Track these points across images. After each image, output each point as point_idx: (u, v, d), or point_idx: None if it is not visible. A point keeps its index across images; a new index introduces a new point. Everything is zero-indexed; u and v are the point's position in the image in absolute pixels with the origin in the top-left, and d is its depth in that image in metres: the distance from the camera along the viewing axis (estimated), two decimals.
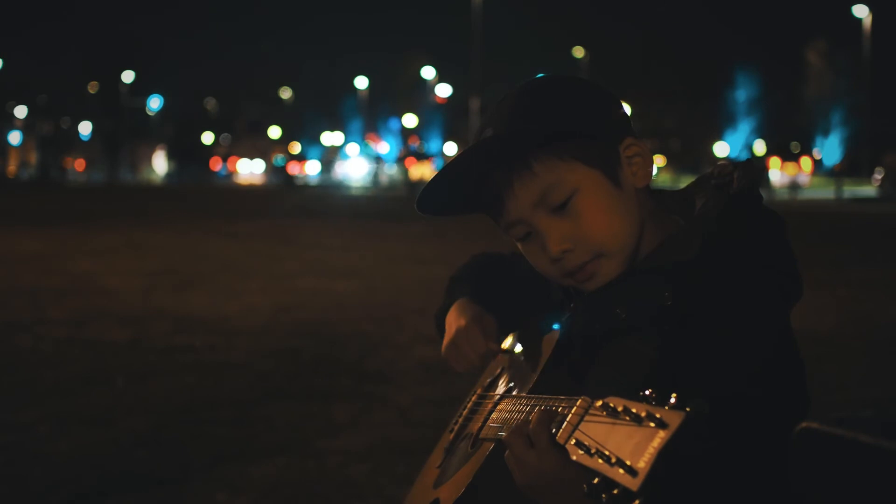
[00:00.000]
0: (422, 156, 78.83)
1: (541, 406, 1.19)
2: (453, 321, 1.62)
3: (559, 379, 1.33)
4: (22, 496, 4.00)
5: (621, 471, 0.93)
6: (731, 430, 1.17)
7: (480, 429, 1.43)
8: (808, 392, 1.31)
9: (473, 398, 1.59)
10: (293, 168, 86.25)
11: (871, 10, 61.42)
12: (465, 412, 1.57)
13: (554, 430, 1.10)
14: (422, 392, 5.71)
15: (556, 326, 1.41)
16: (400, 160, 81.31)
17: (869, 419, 0.96)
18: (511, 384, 1.46)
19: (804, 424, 0.98)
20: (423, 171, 74.44)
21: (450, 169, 1.36)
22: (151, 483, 4.16)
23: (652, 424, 0.94)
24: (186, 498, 4.02)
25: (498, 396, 1.44)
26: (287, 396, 5.66)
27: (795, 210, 30.32)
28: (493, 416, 1.40)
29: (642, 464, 0.92)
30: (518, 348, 1.53)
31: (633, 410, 0.97)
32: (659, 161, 66.70)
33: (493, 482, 1.30)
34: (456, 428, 1.56)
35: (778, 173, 62.77)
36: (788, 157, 66.58)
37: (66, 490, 4.02)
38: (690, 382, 1.08)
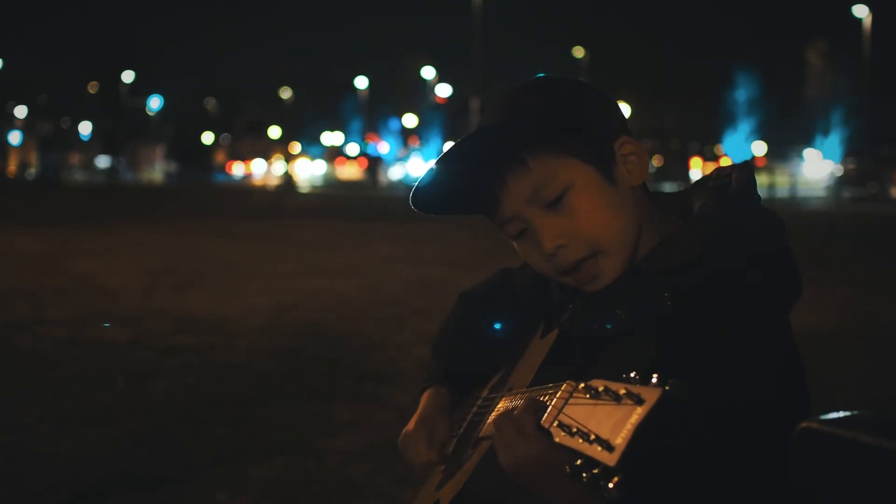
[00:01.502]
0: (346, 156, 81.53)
1: (530, 396, 1.20)
2: (415, 416, 1.61)
3: (556, 378, 1.33)
4: (22, 496, 4.00)
5: (599, 448, 0.94)
6: (730, 430, 1.18)
7: (481, 429, 1.43)
8: (809, 392, 1.31)
9: (479, 401, 1.59)
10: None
11: (871, 10, 61.38)
12: (469, 415, 1.58)
13: (539, 415, 1.10)
14: None
15: (554, 327, 1.41)
16: (330, 159, 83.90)
17: (869, 419, 0.96)
18: (512, 385, 1.46)
19: (804, 424, 0.98)
20: (351, 171, 77.61)
21: (443, 162, 1.35)
22: (151, 483, 4.16)
23: (630, 402, 0.94)
24: (186, 498, 4.02)
25: (498, 397, 1.45)
26: (287, 396, 5.66)
27: (795, 210, 30.32)
28: (493, 415, 1.40)
29: (619, 440, 0.93)
30: (495, 393, 1.54)
31: (613, 389, 0.97)
32: (657, 161, 67.00)
33: (490, 478, 1.31)
34: (461, 431, 1.56)
35: (699, 173, 63.70)
36: (710, 157, 69.19)
37: (66, 490, 4.02)
38: (691, 382, 1.08)
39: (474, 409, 1.58)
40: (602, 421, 0.96)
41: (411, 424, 1.58)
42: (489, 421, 1.41)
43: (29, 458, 4.43)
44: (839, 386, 5.85)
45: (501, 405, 1.38)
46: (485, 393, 1.60)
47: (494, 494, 1.30)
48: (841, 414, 0.98)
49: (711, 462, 1.16)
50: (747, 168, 1.38)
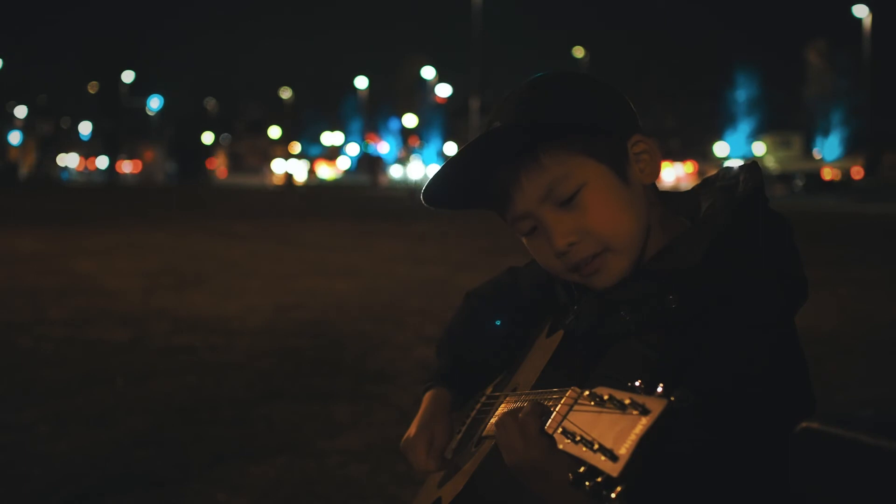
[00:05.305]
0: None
1: (535, 399, 1.20)
2: (416, 419, 1.59)
3: (561, 379, 1.33)
4: (22, 496, 4.00)
5: (603, 457, 0.94)
6: (732, 430, 1.17)
7: (484, 428, 1.43)
8: (813, 393, 1.31)
9: (482, 399, 1.59)
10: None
11: (871, 10, 61.42)
12: (473, 413, 1.58)
13: (544, 420, 1.10)
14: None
15: (559, 327, 1.41)
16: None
17: (869, 419, 0.96)
18: (516, 384, 1.46)
19: (804, 424, 0.98)
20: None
21: (456, 160, 1.34)
22: (151, 483, 4.16)
23: (635, 412, 0.94)
24: (186, 498, 4.02)
25: (502, 396, 1.45)
26: (287, 396, 5.66)
27: (795, 210, 30.32)
28: (496, 415, 1.40)
29: (623, 450, 0.93)
30: (493, 397, 1.53)
31: (618, 398, 0.97)
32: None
33: (493, 479, 1.31)
34: (463, 429, 1.56)
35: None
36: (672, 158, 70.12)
37: (66, 490, 4.02)
38: (693, 384, 1.08)
39: (478, 406, 1.58)
40: (606, 430, 0.96)
41: (413, 428, 1.57)
42: (492, 421, 1.41)
43: (29, 458, 4.43)
44: (839, 386, 5.85)
45: (505, 405, 1.38)
46: (489, 391, 1.60)
47: (497, 494, 1.30)
48: (841, 414, 0.98)
49: (711, 463, 1.16)
50: (755, 169, 1.37)
